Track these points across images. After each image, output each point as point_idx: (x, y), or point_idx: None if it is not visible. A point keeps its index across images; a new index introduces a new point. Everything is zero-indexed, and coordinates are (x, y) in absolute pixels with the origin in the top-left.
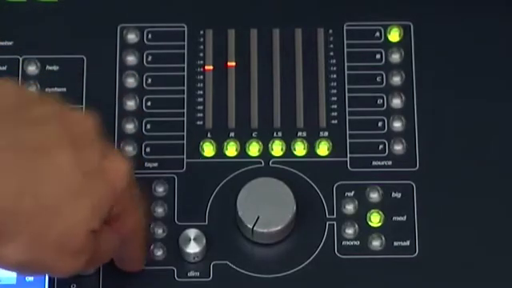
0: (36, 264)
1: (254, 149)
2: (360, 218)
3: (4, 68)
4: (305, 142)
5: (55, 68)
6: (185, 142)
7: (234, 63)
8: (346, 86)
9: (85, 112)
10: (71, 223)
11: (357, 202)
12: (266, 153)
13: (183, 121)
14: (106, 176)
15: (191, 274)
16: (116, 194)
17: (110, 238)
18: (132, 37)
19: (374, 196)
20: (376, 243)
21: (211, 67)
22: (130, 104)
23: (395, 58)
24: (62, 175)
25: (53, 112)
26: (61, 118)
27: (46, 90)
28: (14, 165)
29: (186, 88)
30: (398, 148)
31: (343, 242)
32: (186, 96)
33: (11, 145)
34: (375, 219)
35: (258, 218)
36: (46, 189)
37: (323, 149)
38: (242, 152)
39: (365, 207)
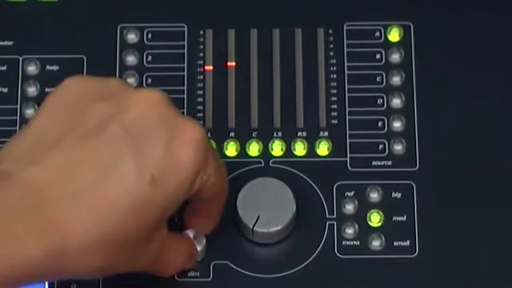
0: (111, 270)
1: (254, 149)
2: (360, 218)
3: (4, 68)
4: (305, 141)
5: (55, 68)
6: None
7: (233, 63)
8: (346, 86)
9: (147, 91)
10: (139, 236)
11: (357, 202)
12: (265, 153)
13: None
14: (176, 166)
15: (191, 273)
16: (191, 177)
17: (180, 251)
18: (132, 37)
19: (374, 196)
20: (376, 243)
21: (211, 67)
22: None
23: (395, 58)
24: (125, 191)
25: (111, 108)
26: (120, 112)
27: (46, 90)
28: (73, 195)
29: (185, 88)
30: (398, 148)
31: (343, 242)
32: (185, 96)
33: (69, 174)
34: (375, 219)
35: (258, 217)
36: (110, 211)
37: (323, 149)
38: (242, 152)
39: (365, 207)
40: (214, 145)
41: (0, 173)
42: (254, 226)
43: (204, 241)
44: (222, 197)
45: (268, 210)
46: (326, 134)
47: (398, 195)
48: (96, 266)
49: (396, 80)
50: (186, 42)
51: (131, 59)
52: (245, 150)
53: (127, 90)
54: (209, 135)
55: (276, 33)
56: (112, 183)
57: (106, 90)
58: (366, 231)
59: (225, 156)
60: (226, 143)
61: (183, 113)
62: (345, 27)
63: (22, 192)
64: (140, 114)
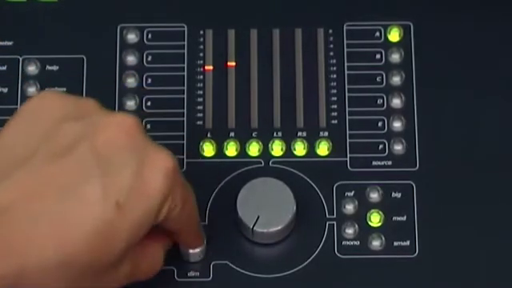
0: None
1: (254, 149)
2: (360, 218)
3: (4, 68)
4: (305, 141)
5: (55, 68)
6: (185, 142)
7: (233, 63)
8: (346, 86)
9: (121, 115)
10: (104, 261)
11: (357, 202)
12: (265, 153)
13: (183, 121)
14: (142, 193)
15: (191, 274)
16: (157, 205)
17: (153, 252)
18: (132, 37)
19: (374, 196)
20: (376, 243)
21: (211, 67)
22: (130, 104)
23: (395, 58)
24: (89, 215)
25: (83, 129)
26: (91, 134)
27: (46, 89)
28: (34, 216)
29: (185, 88)
30: (398, 148)
31: (343, 242)
32: (185, 96)
33: (32, 193)
34: (375, 219)
35: (258, 217)
36: (73, 234)
37: (323, 149)
38: (242, 152)
39: (365, 207)
40: (214, 146)
41: None
42: (253, 226)
43: (204, 241)
44: (191, 227)
45: (268, 209)
46: (326, 134)
47: (398, 195)
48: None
49: (396, 80)
50: (185, 42)
51: (131, 59)
52: (245, 150)
53: (101, 112)
54: (209, 135)
55: (276, 33)
56: (76, 206)
57: (79, 110)
58: (366, 231)
59: (225, 156)
60: (225, 143)
61: (183, 113)
62: (345, 27)
63: None
64: (111, 138)
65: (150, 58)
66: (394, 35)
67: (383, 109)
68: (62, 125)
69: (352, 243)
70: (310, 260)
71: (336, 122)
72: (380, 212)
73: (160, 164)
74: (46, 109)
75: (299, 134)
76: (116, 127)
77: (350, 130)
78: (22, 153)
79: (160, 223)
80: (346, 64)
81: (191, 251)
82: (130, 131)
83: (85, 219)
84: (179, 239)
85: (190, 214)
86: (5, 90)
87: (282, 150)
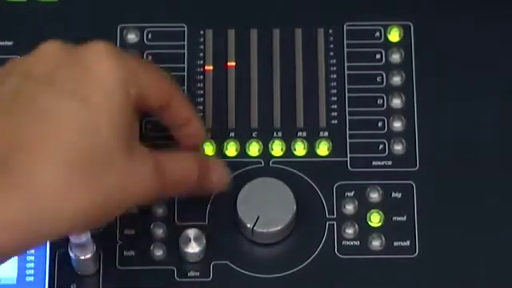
0: (109, 201)
1: (254, 149)
2: (360, 218)
3: None
4: (305, 141)
5: None
6: None
7: (233, 63)
8: (346, 86)
9: (39, 46)
10: (101, 139)
11: (357, 202)
12: (266, 153)
13: None
14: (97, 80)
15: (191, 274)
16: (115, 81)
17: (179, 166)
18: (132, 37)
19: (374, 196)
20: (376, 243)
21: (211, 67)
22: None
23: (395, 58)
24: (70, 124)
25: (19, 74)
26: (27, 73)
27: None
28: (21, 139)
29: (185, 88)
30: (398, 148)
31: (343, 242)
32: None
33: (8, 122)
34: (375, 219)
35: (258, 217)
36: (61, 140)
37: (323, 149)
38: (242, 152)
39: (365, 207)
40: (214, 146)
41: None
42: (254, 226)
43: (204, 241)
44: (176, 99)
45: (268, 209)
46: (326, 134)
47: (398, 195)
48: (72, 208)
49: (396, 80)
50: (185, 42)
51: None
52: (245, 150)
53: (23, 57)
54: (209, 135)
55: (276, 33)
56: (52, 125)
57: (6, 71)
58: (365, 231)
59: (225, 156)
60: (226, 143)
61: None
62: (345, 27)
63: None
64: (43, 65)
65: (149, 58)
66: (394, 35)
67: (383, 109)
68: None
69: (352, 243)
70: (310, 260)
71: (336, 121)
72: (380, 212)
73: (95, 50)
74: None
75: (299, 133)
76: (42, 56)
77: (349, 129)
78: None
79: (140, 106)
80: (346, 64)
81: (191, 251)
82: (54, 50)
83: (63, 126)
84: (176, 118)
85: (159, 82)
86: None
87: (282, 150)
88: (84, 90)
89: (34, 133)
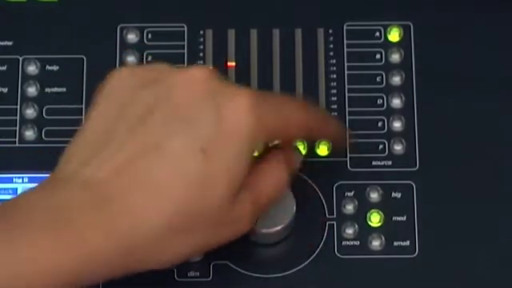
0: (204, 248)
1: None
2: (360, 218)
3: (4, 68)
4: (305, 141)
5: (55, 68)
6: None
7: (233, 63)
8: (346, 86)
9: (191, 70)
10: (212, 210)
11: (357, 202)
12: None
13: None
14: (227, 134)
15: (191, 274)
16: (247, 140)
17: (271, 178)
18: (132, 37)
19: (374, 196)
20: (376, 243)
21: (211, 67)
22: None
23: (395, 58)
24: (180, 170)
25: (157, 92)
26: (166, 95)
27: (46, 90)
28: (131, 188)
29: None
30: (398, 148)
31: (343, 242)
32: None
33: (124, 167)
34: (375, 219)
35: (258, 217)
36: (171, 193)
37: (323, 149)
38: None
39: (365, 207)
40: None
41: (58, 177)
42: (254, 226)
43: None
44: (311, 129)
45: (268, 210)
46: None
47: (398, 195)
48: (175, 250)
49: (396, 80)
50: (185, 42)
51: (131, 59)
52: None
53: (172, 71)
54: None
55: (276, 33)
56: (164, 162)
57: (151, 76)
58: (366, 231)
59: None
60: None
61: None
62: (345, 27)
63: (80, 192)
64: (185, 95)
65: (150, 58)
66: (394, 35)
67: (383, 109)
68: (136, 95)
69: (352, 243)
70: (310, 260)
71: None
72: (380, 212)
73: (238, 103)
74: (119, 87)
75: None
76: (187, 83)
77: (350, 129)
78: (104, 133)
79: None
80: (345, 64)
81: None
82: (202, 82)
83: (175, 174)
84: (317, 139)
85: (299, 126)
86: (5, 90)
87: None
88: (212, 143)
89: (147, 170)
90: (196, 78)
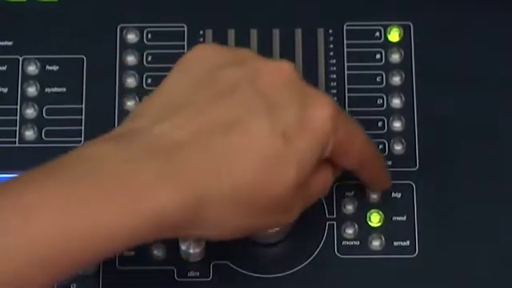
0: (252, 229)
1: None
2: (360, 218)
3: (4, 68)
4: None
5: (55, 68)
6: None
7: None
8: (346, 86)
9: (279, 61)
10: (276, 192)
11: (357, 202)
12: None
13: None
14: (307, 128)
15: (191, 274)
16: (322, 141)
17: (321, 178)
18: (132, 37)
19: (374, 196)
20: (376, 243)
21: None
22: (130, 104)
23: (395, 58)
24: (258, 147)
25: (243, 72)
26: (252, 77)
27: (46, 90)
28: (206, 150)
29: None
30: (398, 148)
31: (343, 242)
32: None
33: (202, 129)
34: (375, 219)
35: None
36: (243, 165)
37: None
38: None
39: (365, 207)
40: None
41: (131, 129)
42: None
43: (204, 241)
44: (370, 161)
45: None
46: None
47: (398, 195)
48: (231, 222)
49: (396, 80)
50: (185, 42)
51: (131, 59)
52: None
53: (258, 58)
54: None
55: (276, 33)
56: (244, 140)
57: (237, 57)
58: (366, 231)
59: None
60: None
61: None
62: (345, 27)
63: (152, 143)
64: (272, 80)
65: (149, 58)
66: (394, 35)
67: (383, 109)
68: (220, 71)
69: (352, 243)
70: (310, 260)
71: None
72: (380, 212)
73: (322, 107)
74: (203, 58)
75: None
76: (275, 71)
77: None
78: (184, 96)
79: (330, 159)
80: (345, 64)
81: (191, 251)
82: (290, 75)
83: (253, 150)
84: (361, 177)
85: (360, 151)
86: (5, 90)
87: None
88: (293, 131)
89: (224, 141)
90: (281, 67)
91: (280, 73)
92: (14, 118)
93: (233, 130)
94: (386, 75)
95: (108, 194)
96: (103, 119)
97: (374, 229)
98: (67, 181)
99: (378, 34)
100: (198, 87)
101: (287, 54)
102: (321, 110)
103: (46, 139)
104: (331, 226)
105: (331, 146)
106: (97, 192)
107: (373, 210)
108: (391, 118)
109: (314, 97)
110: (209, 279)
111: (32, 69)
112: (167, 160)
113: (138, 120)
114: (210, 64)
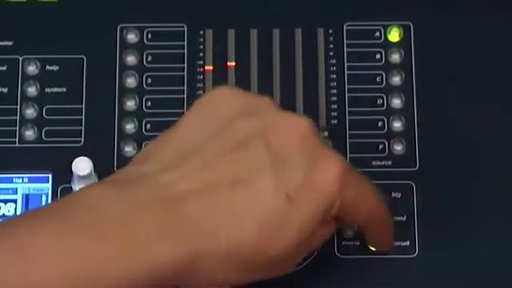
0: (251, 281)
1: None
2: None
3: (4, 68)
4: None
5: (55, 68)
6: None
7: (233, 63)
8: (346, 86)
9: (296, 117)
10: (277, 253)
11: None
12: None
13: None
14: (313, 190)
15: None
16: (327, 202)
17: (323, 232)
18: (132, 37)
19: None
20: None
21: (211, 67)
22: (130, 104)
23: (395, 58)
24: (261, 206)
25: (258, 126)
26: (265, 132)
27: (46, 90)
28: (209, 205)
29: (185, 88)
30: (398, 148)
31: (343, 242)
32: (185, 96)
33: (208, 183)
34: None
35: None
36: (245, 225)
37: None
38: None
39: None
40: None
41: (137, 174)
42: None
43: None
44: (376, 223)
45: None
46: (326, 134)
47: (398, 195)
48: (224, 277)
49: (396, 80)
50: (185, 42)
51: (131, 59)
52: None
53: (276, 111)
54: None
55: (276, 33)
56: (248, 197)
57: (253, 108)
58: None
59: None
60: None
61: (183, 113)
62: (345, 27)
63: (157, 193)
64: (285, 137)
65: (150, 58)
66: (394, 35)
67: (383, 109)
68: (235, 121)
69: (352, 243)
70: (309, 260)
71: (336, 121)
72: None
73: (331, 168)
74: (220, 104)
75: None
76: (290, 127)
77: (349, 129)
78: (195, 143)
79: (336, 218)
80: (345, 64)
81: None
82: (304, 133)
83: (256, 209)
84: (364, 234)
85: (369, 212)
86: (5, 90)
87: None
88: (298, 192)
89: (229, 197)
90: (297, 124)
91: (294, 129)
92: (14, 118)
93: (238, 186)
94: (385, 75)
95: (108, 242)
96: (103, 119)
97: None
98: (70, 224)
99: (377, 34)
100: (210, 136)
101: (287, 54)
102: (329, 171)
103: (45, 139)
104: None
105: (337, 207)
106: (97, 240)
107: None
108: (391, 118)
109: (324, 156)
110: None
111: (32, 69)
112: (169, 212)
113: (146, 164)
114: (227, 111)
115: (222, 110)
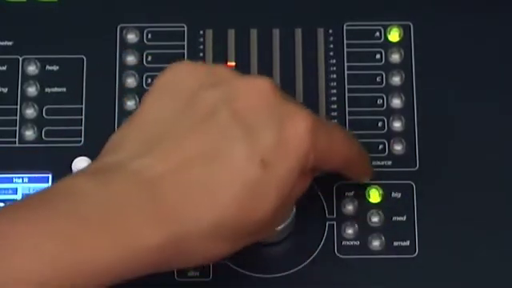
0: (238, 249)
1: None
2: (360, 218)
3: (4, 68)
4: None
5: (55, 68)
6: None
7: (233, 63)
8: (346, 86)
9: (256, 80)
10: (258, 218)
11: (357, 202)
12: None
13: None
14: (285, 150)
15: (191, 273)
16: (302, 159)
17: (301, 185)
18: (132, 37)
19: (374, 196)
20: (376, 243)
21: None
22: (130, 104)
23: (395, 58)
24: (237, 176)
25: (220, 95)
26: (229, 100)
27: (46, 90)
28: (185, 185)
29: None
30: (398, 148)
31: (343, 242)
32: None
33: (181, 163)
34: (375, 219)
35: None
36: (224, 198)
37: None
38: None
39: (365, 207)
40: None
41: (111, 163)
42: None
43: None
44: (353, 163)
45: None
46: None
47: (398, 195)
48: (215, 251)
49: (396, 80)
50: (185, 42)
51: (131, 59)
52: None
53: (236, 77)
54: None
55: (276, 33)
56: (223, 169)
57: (214, 78)
58: (366, 231)
59: None
60: None
61: None
62: (345, 27)
63: (133, 186)
64: (249, 103)
65: (149, 58)
66: (394, 35)
67: (383, 109)
68: (199, 94)
69: (352, 243)
70: (309, 260)
71: (336, 121)
72: (380, 212)
73: (299, 123)
74: (179, 80)
75: None
76: (254, 90)
77: (349, 129)
78: (163, 125)
79: (314, 168)
80: (345, 64)
81: None
82: (267, 94)
83: (233, 180)
84: (345, 175)
85: (344, 156)
86: (5, 90)
87: None
88: (272, 156)
89: (204, 173)
90: (261, 87)
91: (257, 93)
92: (14, 118)
93: (211, 160)
94: (385, 75)
95: (91, 231)
96: (103, 119)
97: (374, 229)
98: (52, 215)
99: (377, 34)
100: (176, 114)
101: (287, 54)
102: (298, 128)
103: (45, 139)
104: (331, 226)
105: (312, 160)
106: (80, 227)
107: (373, 210)
108: (391, 118)
109: (291, 114)
110: (209, 279)
111: (32, 69)
112: (148, 198)
113: (115, 155)
114: (187, 86)
115: (182, 86)
